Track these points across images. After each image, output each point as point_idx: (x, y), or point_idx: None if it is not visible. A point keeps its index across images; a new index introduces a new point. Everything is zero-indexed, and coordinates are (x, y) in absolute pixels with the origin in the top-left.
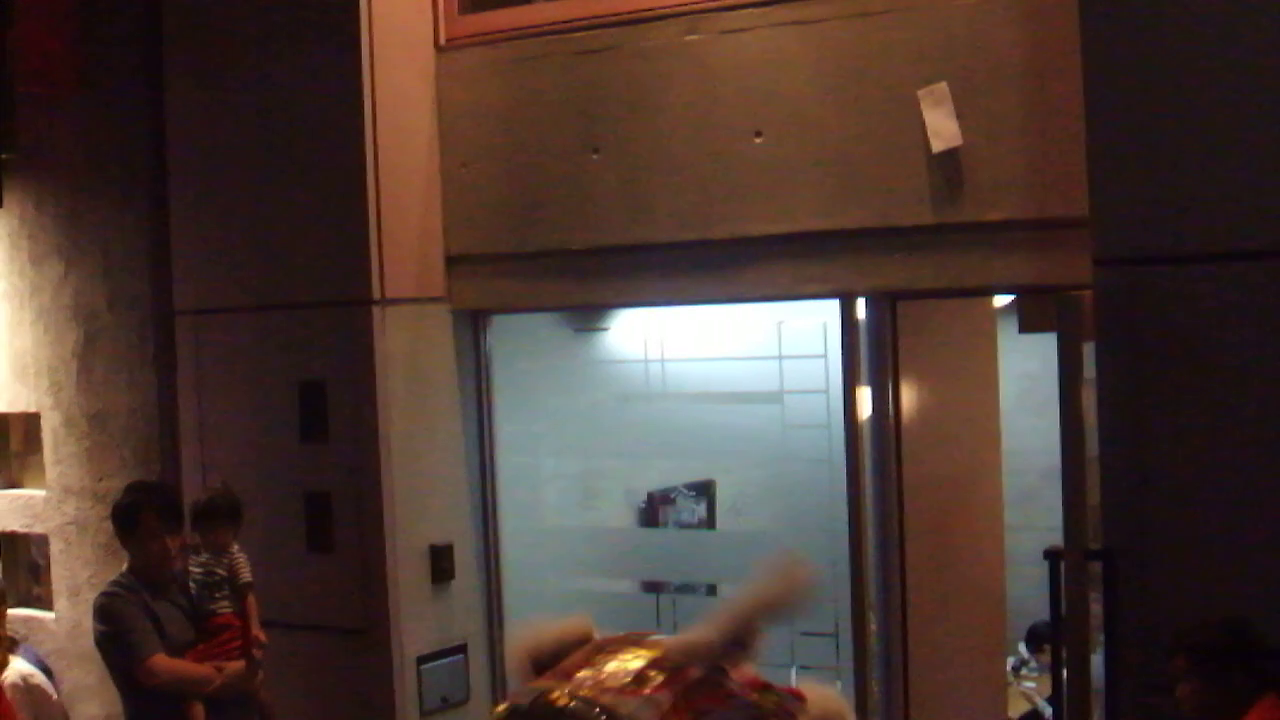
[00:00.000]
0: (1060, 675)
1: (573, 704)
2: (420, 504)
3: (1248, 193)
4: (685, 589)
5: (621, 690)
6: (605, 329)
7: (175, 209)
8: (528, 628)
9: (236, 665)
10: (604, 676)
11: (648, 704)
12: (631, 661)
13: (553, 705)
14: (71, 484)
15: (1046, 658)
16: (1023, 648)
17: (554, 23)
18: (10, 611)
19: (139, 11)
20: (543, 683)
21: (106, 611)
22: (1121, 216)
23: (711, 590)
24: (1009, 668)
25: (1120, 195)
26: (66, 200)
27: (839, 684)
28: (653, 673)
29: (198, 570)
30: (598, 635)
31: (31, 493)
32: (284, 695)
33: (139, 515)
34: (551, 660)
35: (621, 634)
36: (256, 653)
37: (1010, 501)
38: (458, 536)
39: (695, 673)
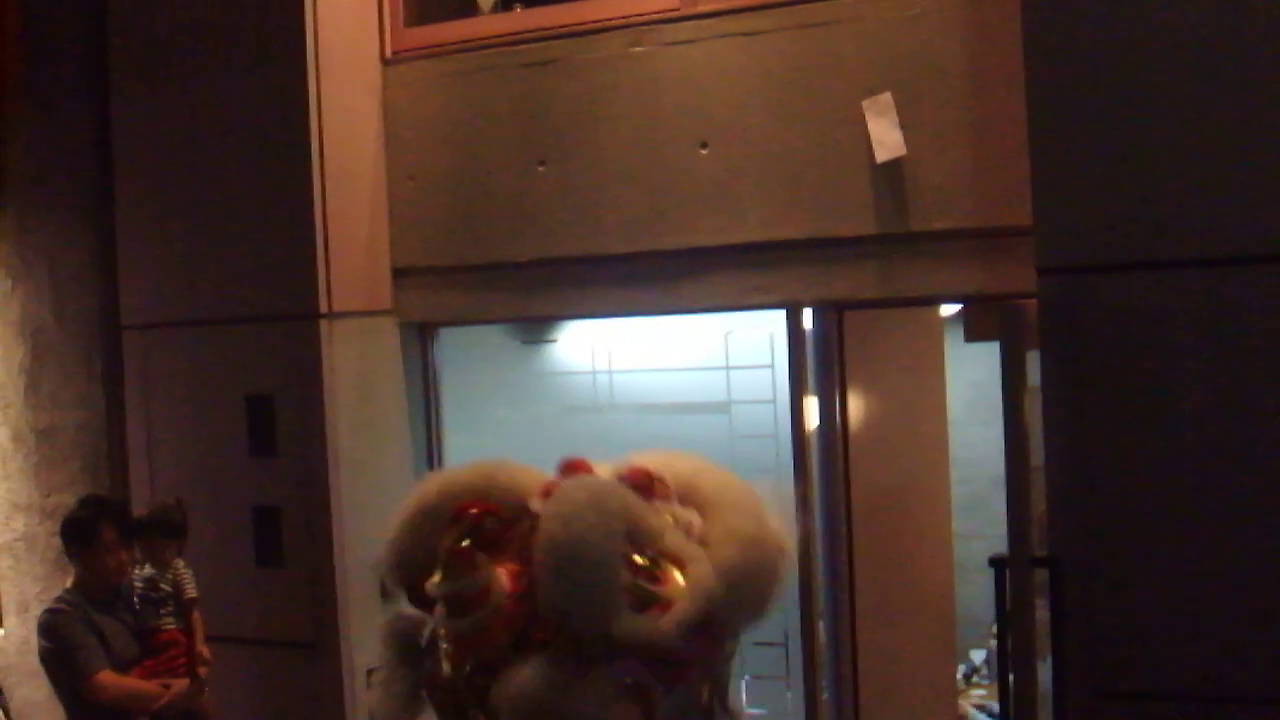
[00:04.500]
0: (1007, 682)
1: None
2: (369, 517)
3: (1189, 201)
4: None
5: None
6: (553, 340)
7: (122, 223)
8: None
9: (182, 682)
10: None
11: None
12: None
13: None
14: (20, 499)
15: None
16: (975, 654)
17: (500, 35)
18: None
19: (84, 27)
20: None
21: (51, 628)
22: (1064, 225)
23: None
24: (959, 675)
25: (1063, 204)
26: (13, 215)
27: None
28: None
29: (140, 585)
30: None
31: None
32: (234, 709)
33: (97, 528)
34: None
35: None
36: (201, 670)
37: (959, 509)
38: None
39: None
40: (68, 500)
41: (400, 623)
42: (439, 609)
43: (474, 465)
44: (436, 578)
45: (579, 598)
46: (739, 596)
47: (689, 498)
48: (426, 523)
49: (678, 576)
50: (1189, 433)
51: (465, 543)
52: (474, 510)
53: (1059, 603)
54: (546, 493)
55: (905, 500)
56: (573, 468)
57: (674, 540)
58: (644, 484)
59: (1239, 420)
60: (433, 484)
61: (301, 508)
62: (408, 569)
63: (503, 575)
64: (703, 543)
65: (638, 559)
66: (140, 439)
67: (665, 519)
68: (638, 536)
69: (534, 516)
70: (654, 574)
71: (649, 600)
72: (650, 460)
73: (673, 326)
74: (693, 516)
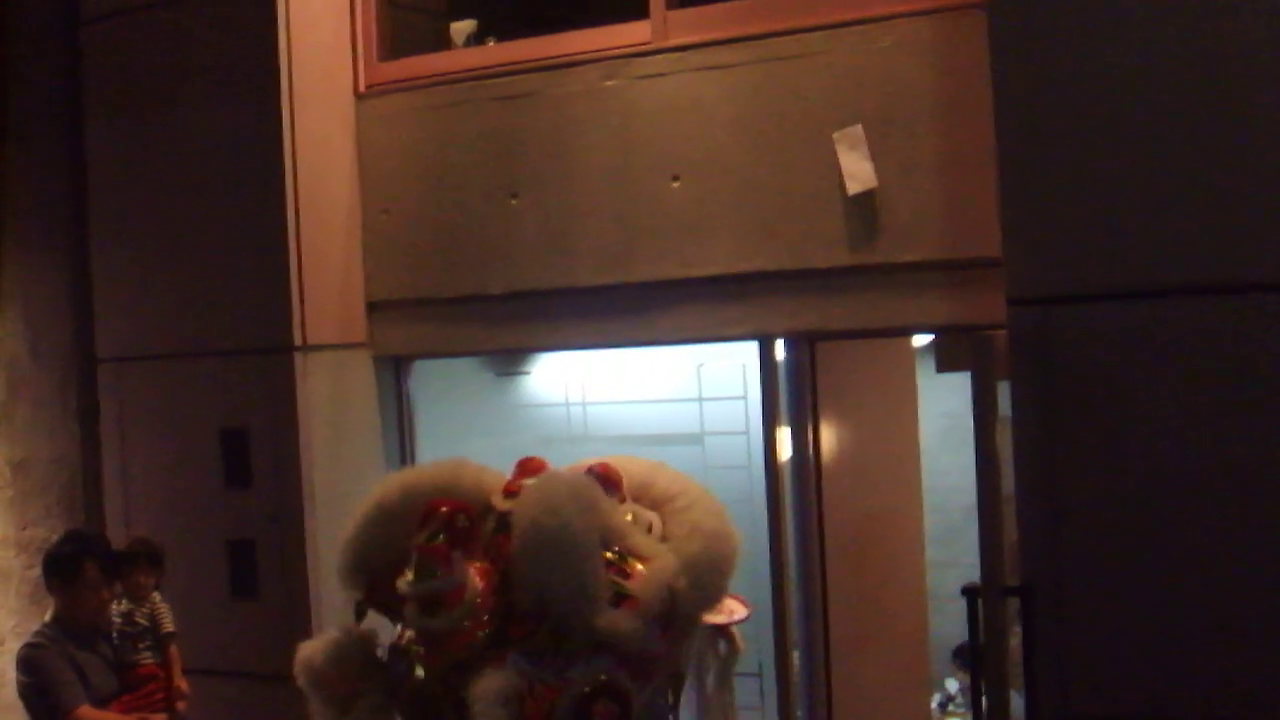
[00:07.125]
0: (980, 711)
1: None
2: None
3: (1156, 233)
4: None
5: None
6: (526, 373)
7: (97, 257)
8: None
9: (160, 717)
10: None
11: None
12: None
13: None
14: None
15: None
16: (949, 683)
17: (473, 69)
18: None
19: (59, 60)
20: None
21: (30, 662)
22: (1034, 257)
23: None
24: (934, 704)
25: (1032, 235)
26: None
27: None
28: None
29: (118, 619)
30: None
31: None
32: None
33: (80, 566)
34: None
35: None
36: (180, 705)
37: (933, 539)
38: None
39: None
40: (43, 534)
41: (348, 639)
42: (410, 609)
43: (436, 464)
44: (409, 576)
45: (564, 586)
46: (703, 589)
47: (643, 496)
48: (390, 522)
49: (643, 571)
50: (1158, 461)
51: (439, 539)
52: (445, 508)
53: (1031, 631)
54: (509, 491)
55: (878, 530)
56: (532, 467)
57: (638, 537)
58: (610, 480)
59: (1207, 448)
60: (394, 482)
61: (276, 540)
62: (369, 570)
63: (475, 573)
64: (664, 539)
65: (607, 554)
66: (115, 472)
67: (627, 516)
68: (606, 532)
69: (499, 514)
70: (623, 569)
71: (621, 595)
72: (608, 460)
73: (646, 358)
74: (651, 515)
